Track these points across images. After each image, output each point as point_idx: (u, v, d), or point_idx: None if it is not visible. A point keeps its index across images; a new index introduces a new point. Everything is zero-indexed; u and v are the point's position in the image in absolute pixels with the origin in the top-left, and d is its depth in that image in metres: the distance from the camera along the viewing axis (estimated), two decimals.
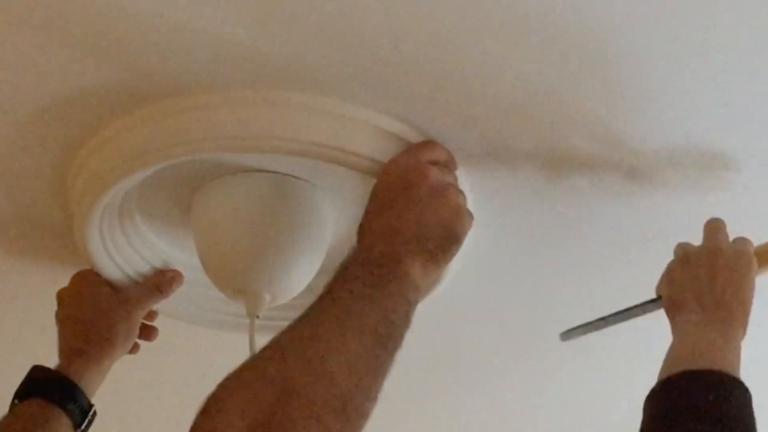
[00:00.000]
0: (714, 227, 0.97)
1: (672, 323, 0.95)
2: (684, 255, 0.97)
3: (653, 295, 1.01)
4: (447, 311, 1.21)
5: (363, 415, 0.70)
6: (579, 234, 1.10)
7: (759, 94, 0.89)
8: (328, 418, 0.66)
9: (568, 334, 1.06)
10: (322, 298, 0.78)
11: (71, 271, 1.12)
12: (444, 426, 1.59)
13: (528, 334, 1.32)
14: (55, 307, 1.11)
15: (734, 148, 0.95)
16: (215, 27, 0.81)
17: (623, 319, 1.04)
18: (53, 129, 0.96)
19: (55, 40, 0.84)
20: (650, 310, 1.01)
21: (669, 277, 0.98)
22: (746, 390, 0.87)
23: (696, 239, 0.98)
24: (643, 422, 0.87)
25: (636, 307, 1.03)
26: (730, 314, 0.93)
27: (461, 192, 0.91)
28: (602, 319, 1.04)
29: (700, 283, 0.94)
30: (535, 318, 1.28)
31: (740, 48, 0.83)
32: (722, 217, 0.97)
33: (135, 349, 1.14)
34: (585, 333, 1.06)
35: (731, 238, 0.97)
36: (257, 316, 1.03)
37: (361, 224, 0.87)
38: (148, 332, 1.16)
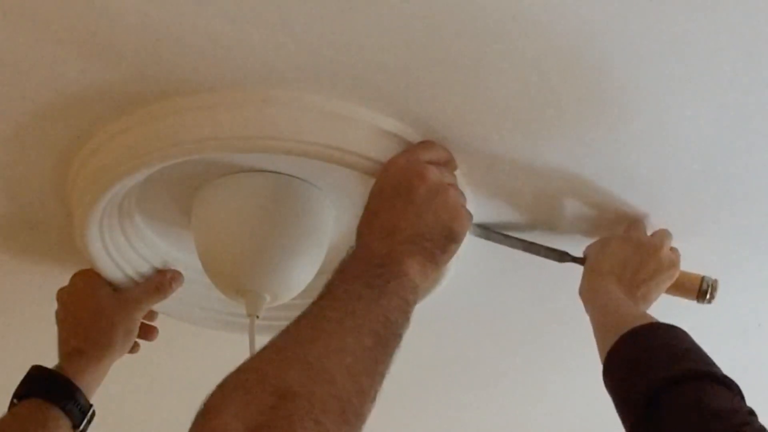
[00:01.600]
0: (665, 233, 1.04)
1: (588, 280, 1.03)
2: (629, 236, 1.03)
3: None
4: (447, 311, 1.21)
5: (361, 416, 0.70)
6: (579, 235, 1.10)
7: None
8: (327, 420, 0.66)
9: (477, 229, 1.06)
10: (320, 298, 0.78)
11: (71, 271, 1.12)
12: (444, 426, 1.59)
13: (527, 334, 1.32)
14: (55, 307, 1.11)
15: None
16: (215, 27, 0.81)
17: (536, 252, 1.08)
18: (53, 129, 0.96)
19: (56, 41, 0.84)
20: (563, 261, 1.07)
21: (605, 245, 1.04)
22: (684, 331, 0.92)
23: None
24: (614, 397, 0.91)
25: (556, 251, 1.07)
26: (640, 293, 1.02)
27: (460, 192, 0.91)
28: (516, 238, 1.07)
29: (628, 265, 1.01)
30: (534, 318, 1.28)
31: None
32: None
33: (135, 348, 1.14)
34: (489, 239, 1.07)
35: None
36: (257, 316, 1.03)
37: (360, 223, 0.87)
38: (148, 332, 1.16)
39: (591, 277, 1.03)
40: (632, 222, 1.05)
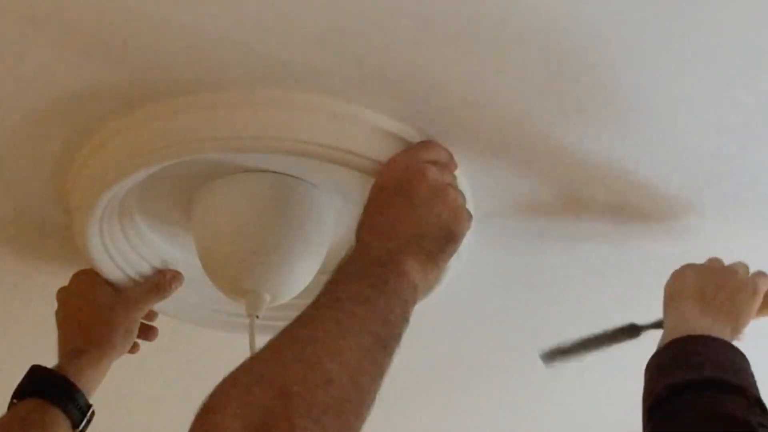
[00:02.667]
0: (742, 264, 1.04)
1: (667, 311, 1.01)
2: (706, 264, 1.02)
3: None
4: (447, 312, 1.21)
5: (361, 415, 0.70)
6: (578, 235, 1.10)
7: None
8: (326, 420, 0.66)
9: (548, 359, 1.08)
10: (320, 297, 0.78)
11: (71, 271, 1.12)
12: (443, 426, 1.59)
13: (527, 335, 1.32)
14: (55, 307, 1.11)
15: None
16: (215, 27, 0.81)
17: (610, 342, 1.07)
18: (53, 129, 0.96)
19: (56, 41, 0.84)
20: (640, 334, 1.06)
21: (680, 275, 1.02)
22: (743, 353, 0.92)
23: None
24: (645, 384, 0.91)
25: (625, 329, 1.06)
26: (723, 314, 0.98)
27: (460, 192, 0.91)
28: (586, 341, 1.07)
29: (706, 289, 0.99)
30: (534, 319, 1.28)
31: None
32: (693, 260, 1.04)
33: (135, 348, 1.14)
34: (569, 359, 1.08)
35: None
36: (257, 316, 1.03)
37: (359, 223, 0.87)
38: (148, 332, 1.16)
39: (669, 302, 1.01)
40: (710, 259, 1.04)
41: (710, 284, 1.00)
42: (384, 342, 0.75)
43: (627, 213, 1.06)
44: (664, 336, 0.97)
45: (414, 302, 0.82)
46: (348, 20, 0.80)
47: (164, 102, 0.91)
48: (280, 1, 0.79)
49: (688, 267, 1.03)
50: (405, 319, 0.79)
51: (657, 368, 0.91)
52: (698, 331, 0.94)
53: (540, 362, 1.39)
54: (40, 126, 0.95)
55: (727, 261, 1.04)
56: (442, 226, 0.86)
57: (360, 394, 0.70)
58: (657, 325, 1.04)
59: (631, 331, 1.06)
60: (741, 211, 1.05)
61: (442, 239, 0.86)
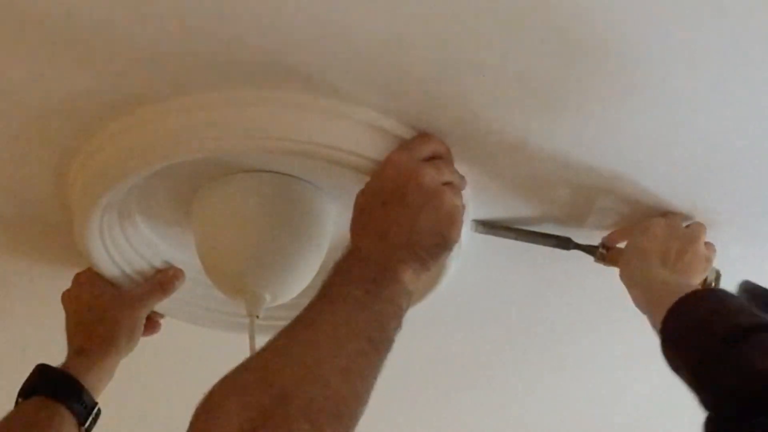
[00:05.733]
0: (702, 227, 1.04)
1: (631, 265, 1.01)
2: (670, 222, 1.03)
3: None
4: (446, 312, 1.21)
5: (355, 417, 0.71)
6: (578, 236, 1.10)
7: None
8: (323, 422, 0.68)
9: (478, 226, 1.07)
10: (318, 300, 0.79)
11: (71, 271, 1.13)
12: (442, 426, 1.59)
13: (526, 335, 1.32)
14: (54, 307, 1.12)
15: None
16: (214, 28, 0.81)
17: (541, 242, 1.08)
18: (53, 129, 0.96)
19: (56, 42, 0.84)
20: (569, 248, 1.08)
21: (648, 228, 1.02)
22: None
23: None
24: (680, 351, 0.89)
25: (561, 238, 1.08)
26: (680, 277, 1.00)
27: (458, 190, 0.90)
28: (519, 229, 1.08)
29: (670, 250, 1.01)
30: (533, 319, 1.28)
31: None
32: None
33: (156, 328, 1.16)
34: (492, 234, 1.08)
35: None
36: (257, 316, 1.03)
37: (353, 222, 0.88)
38: (154, 326, 1.16)
39: (635, 259, 1.01)
40: (670, 212, 1.04)
41: (674, 248, 1.01)
42: (378, 346, 0.77)
43: (628, 216, 1.06)
44: (640, 294, 0.98)
45: (407, 307, 0.83)
46: (347, 21, 0.80)
47: (164, 102, 0.91)
48: (278, 2, 0.79)
49: (657, 223, 1.02)
50: (398, 325, 0.81)
51: (690, 331, 0.89)
52: (682, 286, 0.93)
53: (537, 361, 1.40)
54: (40, 127, 0.95)
55: (722, 263, 1.06)
56: (436, 233, 0.86)
57: (354, 396, 0.72)
58: (590, 250, 1.07)
59: (565, 242, 1.08)
60: (738, 209, 1.05)
61: (435, 246, 0.87)
